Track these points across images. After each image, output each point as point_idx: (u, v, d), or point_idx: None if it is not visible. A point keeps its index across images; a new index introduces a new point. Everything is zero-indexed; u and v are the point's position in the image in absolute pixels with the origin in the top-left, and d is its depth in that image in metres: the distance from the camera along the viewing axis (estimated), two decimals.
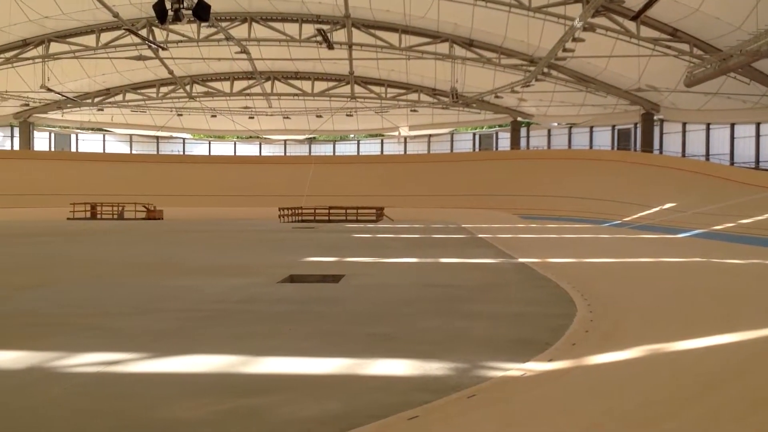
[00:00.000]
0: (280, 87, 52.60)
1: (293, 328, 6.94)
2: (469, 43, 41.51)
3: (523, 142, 57.85)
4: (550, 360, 5.46)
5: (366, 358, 5.53)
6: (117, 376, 5.13)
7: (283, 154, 66.54)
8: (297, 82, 52.40)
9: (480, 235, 22.51)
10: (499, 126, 60.14)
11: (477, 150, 61.84)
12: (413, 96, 53.64)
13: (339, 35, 39.75)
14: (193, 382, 4.91)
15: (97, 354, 5.72)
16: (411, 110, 55.08)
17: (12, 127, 59.30)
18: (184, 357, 5.61)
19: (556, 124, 56.80)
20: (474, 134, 63.13)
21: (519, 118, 56.56)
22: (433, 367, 5.24)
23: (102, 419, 4.07)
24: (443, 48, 41.50)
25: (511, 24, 36.48)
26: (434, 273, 12.09)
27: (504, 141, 60.02)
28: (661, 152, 48.71)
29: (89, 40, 42.30)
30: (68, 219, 37.74)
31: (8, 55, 44.00)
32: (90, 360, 5.53)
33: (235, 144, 68.21)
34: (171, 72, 48.34)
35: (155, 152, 64.75)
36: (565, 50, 33.42)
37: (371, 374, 5.11)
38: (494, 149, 61.08)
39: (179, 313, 7.91)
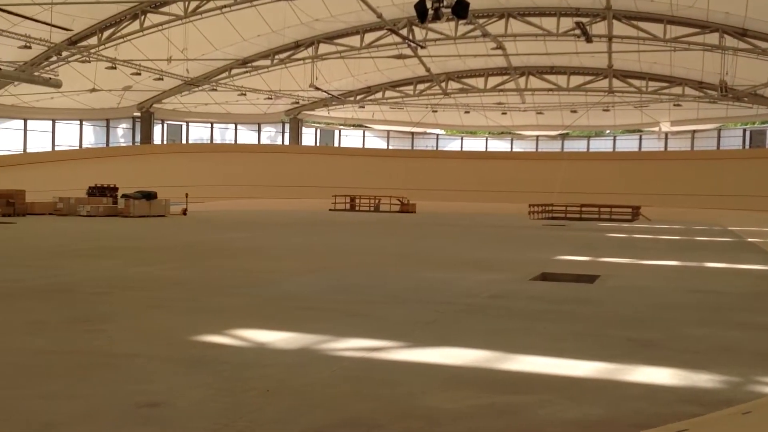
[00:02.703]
0: (534, 82, 52.11)
1: (548, 327, 6.84)
2: (741, 33, 38.44)
3: None
4: None
5: (626, 364, 5.31)
6: (379, 362, 5.36)
7: (534, 150, 65.94)
8: (552, 77, 51.61)
9: (750, 239, 20.75)
10: None
11: (747, 147, 57.19)
12: (677, 89, 50.65)
13: (598, 28, 38.56)
14: (450, 374, 5.00)
15: (361, 340, 6.02)
16: (674, 104, 52.15)
17: (283, 123, 64.37)
18: (442, 348, 5.74)
19: None
20: (744, 130, 58.45)
21: None
22: (702, 379, 4.91)
23: (366, 403, 4.27)
24: (712, 38, 38.77)
25: None
26: (698, 278, 11.34)
27: None
28: None
29: (354, 40, 44.76)
30: (330, 210, 40.17)
31: (282, 56, 47.85)
32: (355, 345, 5.84)
33: (486, 139, 68.72)
34: (428, 69, 49.72)
35: (410, 147, 67.10)
36: None
37: (632, 381, 4.89)
38: None
39: (435, 305, 8.11)
